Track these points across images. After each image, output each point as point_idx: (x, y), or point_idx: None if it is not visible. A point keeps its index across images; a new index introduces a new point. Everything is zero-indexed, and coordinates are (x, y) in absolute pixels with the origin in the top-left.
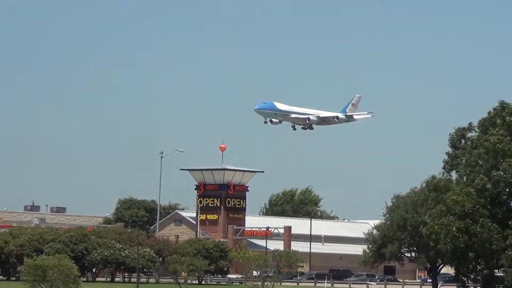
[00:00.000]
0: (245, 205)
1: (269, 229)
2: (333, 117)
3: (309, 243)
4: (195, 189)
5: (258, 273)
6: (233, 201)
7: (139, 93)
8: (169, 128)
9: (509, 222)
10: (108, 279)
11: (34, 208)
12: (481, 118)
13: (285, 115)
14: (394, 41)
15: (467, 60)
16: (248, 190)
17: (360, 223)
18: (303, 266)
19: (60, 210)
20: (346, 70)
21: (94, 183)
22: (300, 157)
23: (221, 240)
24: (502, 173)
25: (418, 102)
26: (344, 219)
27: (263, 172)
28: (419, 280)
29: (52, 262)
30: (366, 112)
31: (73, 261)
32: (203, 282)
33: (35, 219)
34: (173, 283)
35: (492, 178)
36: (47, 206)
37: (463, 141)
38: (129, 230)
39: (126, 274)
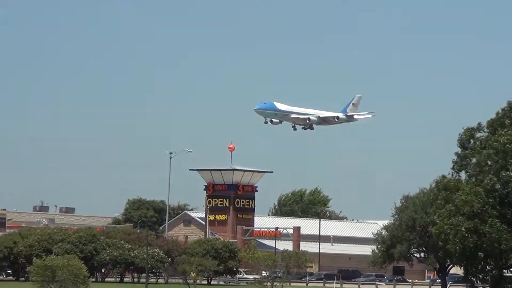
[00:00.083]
0: (254, 206)
1: (278, 230)
2: (334, 117)
3: (318, 243)
4: (204, 189)
5: (268, 274)
6: (242, 202)
7: (148, 94)
8: (178, 129)
9: None
10: (117, 279)
11: (43, 208)
12: (490, 119)
13: (285, 115)
14: (395, 41)
15: (470, 60)
16: (257, 191)
17: (369, 223)
18: (312, 267)
19: (69, 210)
20: (347, 70)
21: (103, 184)
22: (308, 158)
23: (230, 240)
24: (511, 174)
25: (419, 103)
26: (353, 220)
27: (272, 172)
28: (428, 281)
29: (61, 263)
30: (366, 112)
31: (82, 262)
32: (213, 282)
33: (44, 220)
34: (182, 284)
35: (501, 179)
36: (56, 206)
37: (472, 141)
38: (138, 230)
39: (135, 274)
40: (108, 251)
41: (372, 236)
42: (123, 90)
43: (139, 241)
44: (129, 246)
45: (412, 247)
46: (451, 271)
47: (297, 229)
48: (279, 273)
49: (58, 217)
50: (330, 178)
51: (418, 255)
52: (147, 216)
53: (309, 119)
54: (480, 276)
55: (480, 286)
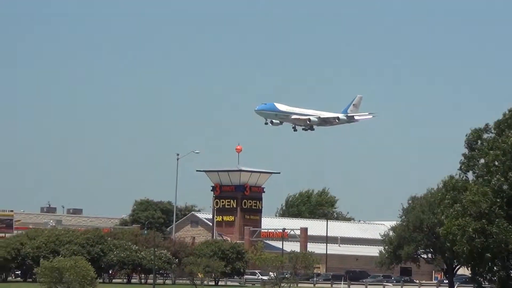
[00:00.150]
0: (261, 207)
1: (286, 231)
2: (334, 117)
3: (325, 244)
4: (211, 190)
5: (275, 275)
6: (249, 203)
7: (155, 95)
8: (185, 130)
9: None
10: (125, 280)
11: (50, 209)
12: (496, 120)
13: (286, 116)
14: (397, 41)
15: (476, 60)
16: (264, 191)
17: (376, 224)
18: (319, 268)
19: (77, 211)
20: (348, 71)
21: (110, 185)
22: (315, 159)
23: (237, 241)
24: None
25: (419, 103)
26: (360, 221)
27: (279, 173)
28: (435, 281)
29: (69, 264)
30: (367, 113)
31: (90, 263)
32: (220, 283)
33: (51, 221)
34: (189, 285)
35: (508, 179)
36: (63, 207)
37: (479, 142)
38: (145, 232)
39: (143, 275)
40: (115, 252)
41: (379, 237)
42: (131, 92)
43: (146, 242)
44: (137, 247)
45: (419, 248)
46: (459, 272)
47: (304, 230)
48: (286, 274)
49: (65, 218)
50: (337, 179)
51: (425, 256)
52: (155, 217)
53: (309, 120)
54: (488, 277)
55: (488, 286)
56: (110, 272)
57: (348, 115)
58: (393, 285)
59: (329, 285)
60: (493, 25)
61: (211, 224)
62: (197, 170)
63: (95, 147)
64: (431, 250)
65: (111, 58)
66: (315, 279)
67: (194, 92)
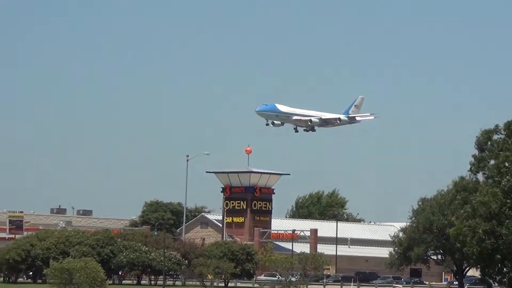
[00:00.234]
0: (271, 208)
1: (295, 232)
2: (336, 118)
3: (335, 245)
4: (221, 191)
5: (285, 278)
6: (259, 204)
7: (165, 96)
8: (195, 131)
9: None
10: (134, 282)
11: (60, 211)
12: (506, 121)
13: (287, 117)
14: (397, 41)
15: (483, 61)
16: (274, 193)
17: (386, 225)
18: (329, 269)
19: (87, 213)
20: (349, 71)
21: (120, 186)
22: (322, 160)
23: (247, 243)
24: None
25: (421, 103)
26: (370, 222)
27: (289, 174)
28: (445, 283)
29: (79, 265)
30: (369, 114)
31: (100, 264)
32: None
33: (61, 222)
34: (199, 286)
35: None
36: (73, 209)
37: (489, 143)
38: (155, 233)
39: (153, 276)
40: (125, 254)
41: (389, 239)
42: (141, 93)
43: (156, 244)
44: (146, 248)
45: (429, 249)
46: (468, 273)
47: (314, 231)
48: (296, 276)
49: (75, 220)
50: (346, 180)
51: (435, 257)
52: (164, 218)
53: (310, 121)
54: (497, 278)
55: None
56: (120, 273)
57: (350, 116)
58: (403, 286)
59: (339, 287)
60: (493, 25)
61: (221, 225)
62: (207, 172)
63: (105, 149)
64: (441, 251)
65: (111, 58)
66: (324, 280)
67: (194, 92)
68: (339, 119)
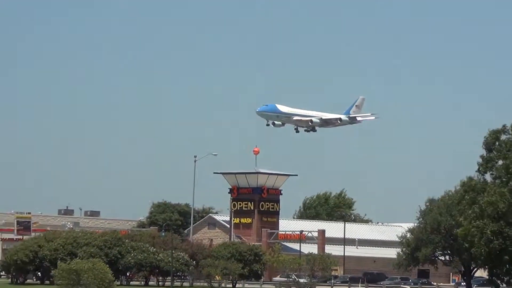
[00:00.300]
0: (279, 209)
1: (303, 233)
2: (336, 119)
3: (343, 246)
4: (229, 192)
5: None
6: (267, 205)
7: (173, 97)
8: (195, 131)
9: None
10: (142, 283)
11: (68, 212)
12: None
13: (287, 118)
14: (397, 41)
15: (474, 60)
16: (281, 194)
17: (393, 226)
18: (337, 270)
19: (94, 214)
20: (349, 72)
21: (128, 187)
22: (332, 160)
23: (255, 243)
24: None
25: (421, 103)
26: (378, 223)
27: (296, 175)
28: (453, 284)
29: (87, 266)
30: (369, 114)
31: (107, 265)
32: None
33: (69, 223)
34: (207, 287)
35: None
36: (81, 210)
37: (497, 143)
38: (162, 234)
39: (160, 277)
40: (133, 255)
41: (397, 239)
42: (141, 93)
43: (164, 245)
44: (154, 249)
45: (437, 250)
46: (476, 274)
47: (322, 232)
48: (304, 277)
49: (83, 221)
50: (353, 181)
51: (443, 258)
52: (172, 219)
53: (311, 121)
54: (506, 279)
55: None
56: (128, 274)
57: (350, 116)
58: (411, 287)
59: (347, 287)
60: (493, 25)
61: (228, 226)
62: (214, 172)
63: (113, 149)
64: (449, 252)
65: (111, 58)
66: (332, 281)
67: (194, 92)
68: (340, 119)
